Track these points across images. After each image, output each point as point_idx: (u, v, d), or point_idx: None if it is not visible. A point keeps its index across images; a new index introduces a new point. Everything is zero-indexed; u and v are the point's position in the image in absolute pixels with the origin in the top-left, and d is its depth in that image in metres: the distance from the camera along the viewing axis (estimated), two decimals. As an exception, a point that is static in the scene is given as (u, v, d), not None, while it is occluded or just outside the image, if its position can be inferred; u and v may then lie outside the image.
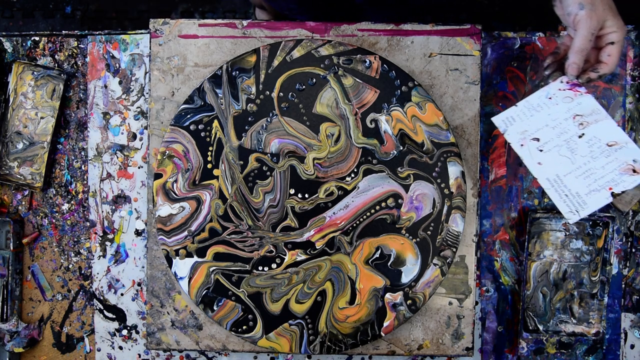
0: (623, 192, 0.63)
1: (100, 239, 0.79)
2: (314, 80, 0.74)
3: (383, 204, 0.74)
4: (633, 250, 0.78)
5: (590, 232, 0.76)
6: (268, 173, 0.74)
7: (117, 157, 0.79)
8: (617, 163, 0.64)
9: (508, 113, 0.68)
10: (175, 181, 0.74)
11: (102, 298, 0.79)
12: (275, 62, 0.74)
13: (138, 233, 0.79)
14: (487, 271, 0.79)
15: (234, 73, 0.74)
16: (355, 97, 0.74)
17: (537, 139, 0.66)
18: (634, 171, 0.63)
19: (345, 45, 0.74)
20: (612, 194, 0.63)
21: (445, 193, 0.74)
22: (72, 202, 0.80)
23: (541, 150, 0.66)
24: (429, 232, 0.74)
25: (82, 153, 0.80)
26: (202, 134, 0.74)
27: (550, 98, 0.67)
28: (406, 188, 0.74)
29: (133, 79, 0.79)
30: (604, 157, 0.64)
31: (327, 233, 0.74)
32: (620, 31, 0.63)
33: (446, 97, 0.76)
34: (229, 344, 0.76)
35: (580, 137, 0.65)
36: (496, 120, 0.68)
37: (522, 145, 0.67)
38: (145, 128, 0.79)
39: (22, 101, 0.78)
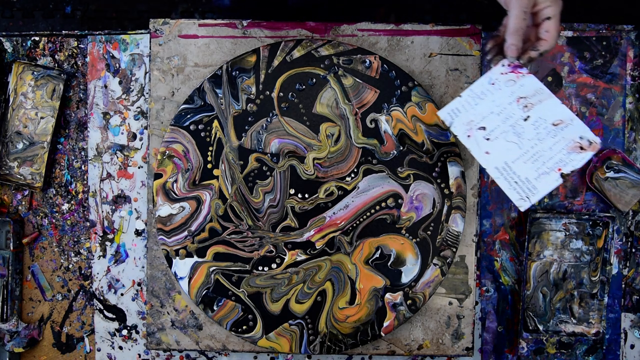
0: (572, 171, 0.61)
1: (100, 239, 0.79)
2: (314, 80, 0.74)
3: (383, 204, 0.74)
4: (633, 250, 0.78)
5: (590, 232, 0.76)
6: (268, 173, 0.74)
7: (117, 157, 0.79)
8: (565, 142, 0.62)
9: (453, 105, 0.66)
10: (175, 181, 0.74)
11: (102, 298, 0.79)
12: (275, 62, 0.74)
13: (138, 233, 0.79)
14: (487, 271, 0.79)
15: (234, 73, 0.74)
16: (355, 97, 0.74)
17: (484, 128, 0.64)
18: (582, 148, 0.62)
19: (345, 45, 0.74)
20: (562, 175, 0.61)
21: (445, 193, 0.74)
22: (72, 202, 0.80)
23: (488, 139, 0.64)
24: (429, 232, 0.74)
25: (82, 153, 0.80)
26: (202, 134, 0.74)
27: (493, 84, 0.65)
28: (406, 188, 0.74)
29: (133, 79, 0.79)
30: (551, 138, 0.62)
31: (327, 233, 0.74)
32: (555, 5, 0.60)
33: (446, 97, 0.76)
34: (229, 344, 0.76)
35: (525, 120, 0.63)
36: (441, 114, 0.66)
37: (468, 136, 0.64)
38: (145, 128, 0.79)
39: (22, 101, 0.78)
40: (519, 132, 0.63)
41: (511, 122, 0.64)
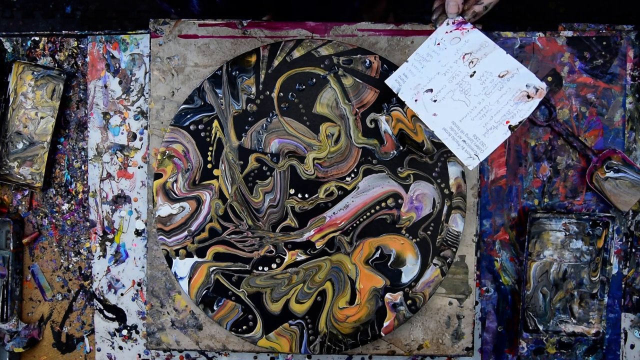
0: (520, 122, 0.60)
1: (100, 239, 0.79)
2: (314, 80, 0.74)
3: (383, 204, 0.74)
4: (633, 250, 0.78)
5: (590, 232, 0.76)
6: (268, 173, 0.74)
7: (117, 157, 0.79)
8: (511, 93, 0.60)
9: (400, 71, 0.64)
10: (175, 181, 0.74)
11: (102, 298, 0.79)
12: (275, 62, 0.74)
13: (138, 233, 0.79)
14: (487, 271, 0.79)
15: (234, 73, 0.74)
16: (355, 97, 0.74)
17: (431, 90, 0.63)
18: (529, 97, 0.60)
19: (345, 45, 0.74)
20: (510, 127, 0.60)
21: (445, 193, 0.74)
22: (72, 202, 0.80)
23: (435, 101, 0.62)
24: (429, 232, 0.74)
25: (82, 153, 0.80)
26: (202, 134, 0.74)
27: (438, 44, 0.63)
28: (406, 188, 0.74)
29: (133, 79, 0.79)
30: (498, 90, 0.61)
31: (327, 233, 0.74)
32: None
33: (446, 97, 0.76)
34: (229, 344, 0.76)
35: (471, 76, 0.62)
36: (389, 81, 0.64)
37: (416, 100, 0.63)
38: (145, 128, 0.79)
39: (22, 101, 0.78)
40: (466, 89, 0.62)
41: (457, 80, 0.62)
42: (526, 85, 0.60)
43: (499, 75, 0.61)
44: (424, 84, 0.63)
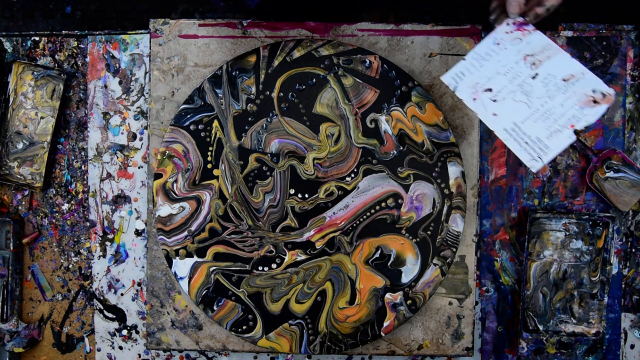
0: (586, 127, 0.59)
1: (100, 239, 0.79)
2: (314, 80, 0.74)
3: (383, 204, 0.74)
4: (633, 250, 0.78)
5: (590, 232, 0.76)
6: (268, 173, 0.74)
7: (117, 157, 0.79)
8: (576, 97, 0.60)
9: (457, 68, 0.64)
10: (175, 181, 0.74)
11: (102, 298, 0.79)
12: (275, 62, 0.74)
13: (138, 233, 0.79)
14: (487, 271, 0.79)
15: (234, 73, 0.74)
16: (355, 97, 0.74)
17: (490, 90, 0.62)
18: (595, 102, 0.59)
19: (345, 45, 0.74)
20: (575, 132, 0.59)
21: (445, 193, 0.74)
22: (72, 202, 0.80)
23: (495, 101, 0.62)
24: (429, 232, 0.74)
25: (82, 153, 0.80)
26: (202, 134, 0.74)
27: (498, 44, 0.63)
28: (406, 188, 0.74)
29: (133, 79, 0.79)
30: (562, 94, 0.60)
31: (327, 233, 0.74)
32: None
33: (446, 97, 0.76)
34: (229, 344, 0.76)
35: (534, 77, 0.61)
36: (445, 78, 0.64)
37: (474, 99, 0.62)
38: (145, 128, 0.79)
39: (22, 101, 0.78)
40: (528, 90, 0.61)
41: (519, 81, 0.62)
42: (592, 91, 0.60)
43: (563, 79, 0.61)
44: (482, 83, 0.63)
